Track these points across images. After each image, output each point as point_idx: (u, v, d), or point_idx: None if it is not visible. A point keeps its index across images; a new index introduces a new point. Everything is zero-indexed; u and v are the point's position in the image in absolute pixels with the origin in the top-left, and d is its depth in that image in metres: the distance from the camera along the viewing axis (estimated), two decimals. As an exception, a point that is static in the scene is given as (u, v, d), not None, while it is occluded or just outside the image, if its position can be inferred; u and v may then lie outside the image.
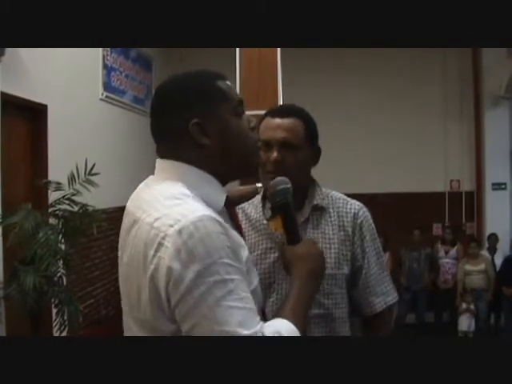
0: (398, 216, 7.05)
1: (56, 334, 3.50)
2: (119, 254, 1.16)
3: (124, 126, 5.79)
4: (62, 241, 3.49)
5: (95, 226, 3.63)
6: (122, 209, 1.21)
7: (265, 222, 1.58)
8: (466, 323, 6.43)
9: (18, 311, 3.18)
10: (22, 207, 3.28)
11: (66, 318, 3.39)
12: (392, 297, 1.63)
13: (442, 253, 6.98)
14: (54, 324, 3.48)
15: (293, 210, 1.37)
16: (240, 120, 1.16)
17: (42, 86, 3.94)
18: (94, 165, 3.71)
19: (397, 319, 7.24)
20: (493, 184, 7.25)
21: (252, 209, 1.65)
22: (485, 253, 6.93)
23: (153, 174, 1.17)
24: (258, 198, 1.65)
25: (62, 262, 3.47)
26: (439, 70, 7.43)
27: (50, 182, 3.71)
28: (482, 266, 6.64)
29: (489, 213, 7.30)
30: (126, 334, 1.14)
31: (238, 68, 3.15)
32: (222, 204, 1.14)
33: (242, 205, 1.69)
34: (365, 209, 1.64)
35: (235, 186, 1.97)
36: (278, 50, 3.29)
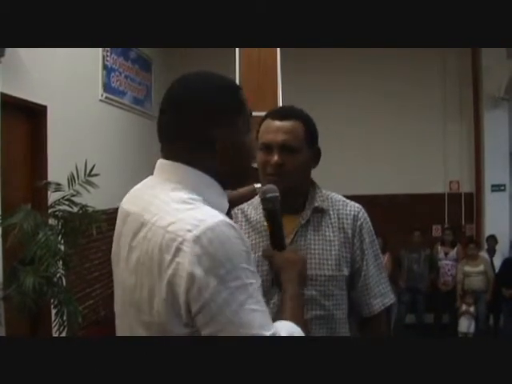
0: (398, 217, 7.05)
1: (55, 334, 3.49)
2: (114, 257, 1.16)
3: (124, 127, 5.78)
4: (62, 241, 3.49)
5: (95, 226, 3.63)
6: (121, 210, 1.20)
7: (265, 223, 1.57)
8: (465, 324, 6.42)
9: (17, 312, 3.18)
10: (22, 208, 3.27)
11: (65, 318, 3.38)
12: (389, 298, 1.65)
13: (441, 254, 6.97)
14: (53, 324, 3.47)
15: (280, 217, 1.41)
16: (250, 133, 1.18)
17: (41, 86, 3.93)
18: (93, 166, 3.71)
19: (396, 320, 7.19)
20: (492, 185, 7.23)
21: (252, 210, 1.65)
22: (484, 254, 6.93)
23: (152, 174, 1.16)
24: (258, 199, 1.64)
25: (61, 262, 3.46)
26: (438, 72, 7.43)
27: (49, 182, 3.70)
28: (481, 268, 6.64)
29: (488, 214, 7.28)
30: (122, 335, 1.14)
31: (237, 68, 3.15)
32: (227, 208, 1.14)
33: (242, 206, 1.69)
34: (363, 210, 1.64)
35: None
36: (278, 50, 3.29)
